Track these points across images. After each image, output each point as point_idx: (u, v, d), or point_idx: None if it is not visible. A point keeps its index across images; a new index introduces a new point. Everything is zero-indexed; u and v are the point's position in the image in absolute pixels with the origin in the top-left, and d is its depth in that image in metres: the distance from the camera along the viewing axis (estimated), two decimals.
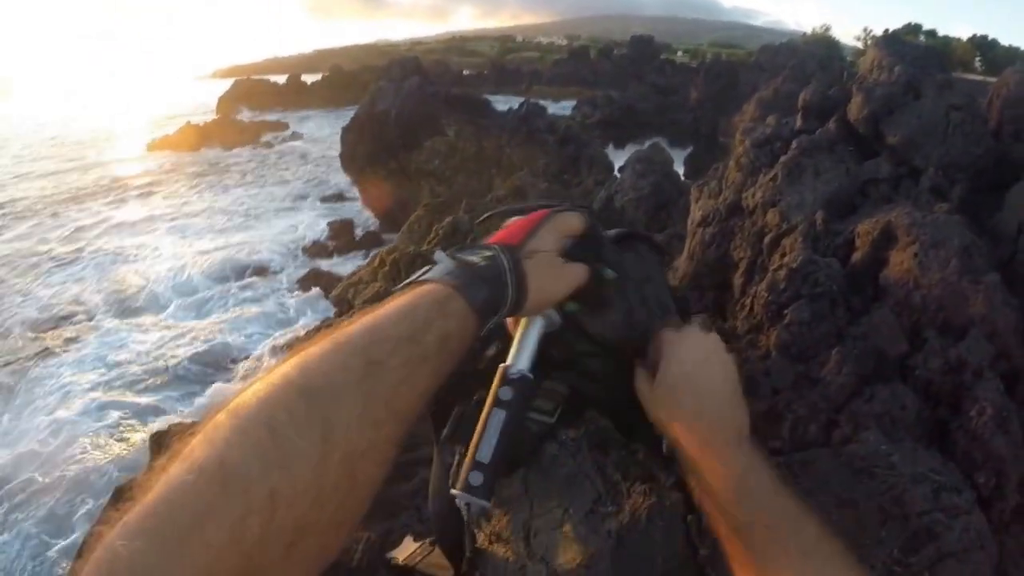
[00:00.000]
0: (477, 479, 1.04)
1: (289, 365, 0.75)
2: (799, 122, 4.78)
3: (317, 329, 0.87)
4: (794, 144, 4.15)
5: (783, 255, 3.51)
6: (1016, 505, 2.46)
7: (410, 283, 0.97)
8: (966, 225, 3.34)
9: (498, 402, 1.09)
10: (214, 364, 14.33)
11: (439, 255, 1.08)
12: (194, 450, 0.64)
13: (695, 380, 1.17)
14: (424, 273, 1.00)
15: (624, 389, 1.34)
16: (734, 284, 3.87)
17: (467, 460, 1.07)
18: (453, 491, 1.06)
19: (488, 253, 1.04)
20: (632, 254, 1.49)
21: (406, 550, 1.72)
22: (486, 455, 1.05)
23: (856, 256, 3.43)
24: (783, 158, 4.10)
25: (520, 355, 1.17)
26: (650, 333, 1.42)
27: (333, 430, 0.71)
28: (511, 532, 1.78)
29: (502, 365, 1.14)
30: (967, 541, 1.92)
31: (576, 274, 1.18)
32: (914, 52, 5.26)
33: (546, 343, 1.25)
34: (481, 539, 1.80)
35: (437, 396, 1.17)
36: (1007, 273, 3.23)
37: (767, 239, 3.81)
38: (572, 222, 1.21)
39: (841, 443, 2.33)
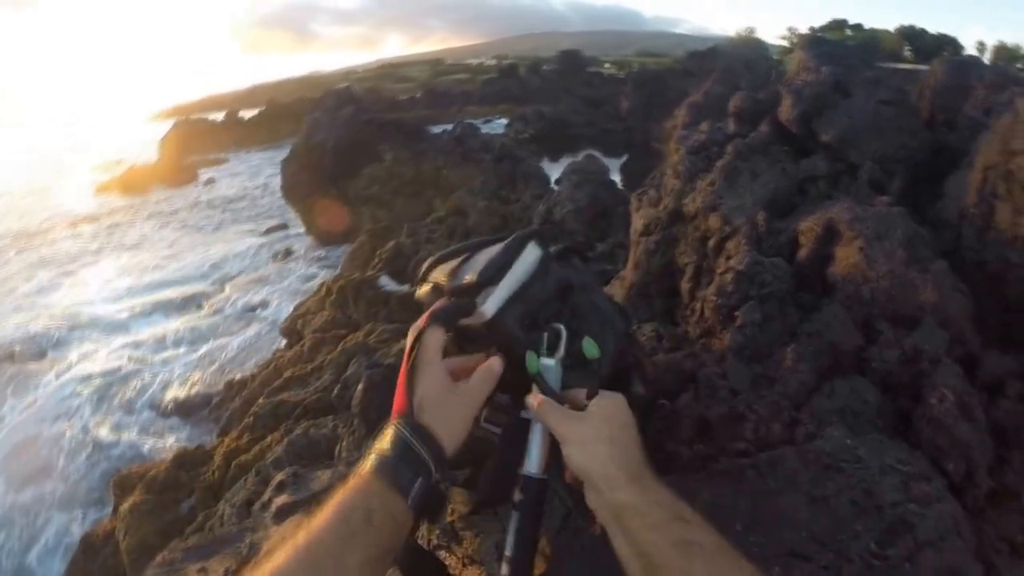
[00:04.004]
0: (505, 569, 1.29)
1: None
2: (732, 127, 4.82)
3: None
4: (729, 148, 4.18)
5: (728, 258, 3.53)
6: (989, 491, 2.47)
7: (350, 478, 1.21)
8: (908, 216, 3.38)
9: (512, 503, 1.34)
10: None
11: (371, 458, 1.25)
12: None
13: (603, 436, 1.31)
14: (359, 469, 1.23)
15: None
16: (682, 290, 3.88)
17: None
18: None
19: (391, 432, 1.25)
20: (571, 268, 1.62)
21: None
22: (509, 549, 1.32)
23: (801, 253, 3.45)
24: (719, 163, 4.13)
25: (530, 459, 1.38)
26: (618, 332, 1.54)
27: None
28: (484, 554, 1.77)
29: (523, 472, 1.37)
30: (943, 529, 1.93)
31: (474, 393, 1.38)
32: (840, 51, 5.35)
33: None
34: (454, 563, 1.81)
35: None
36: (953, 260, 3.26)
37: (711, 243, 3.83)
38: (434, 338, 1.39)
39: (806, 440, 2.33)
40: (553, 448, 1.45)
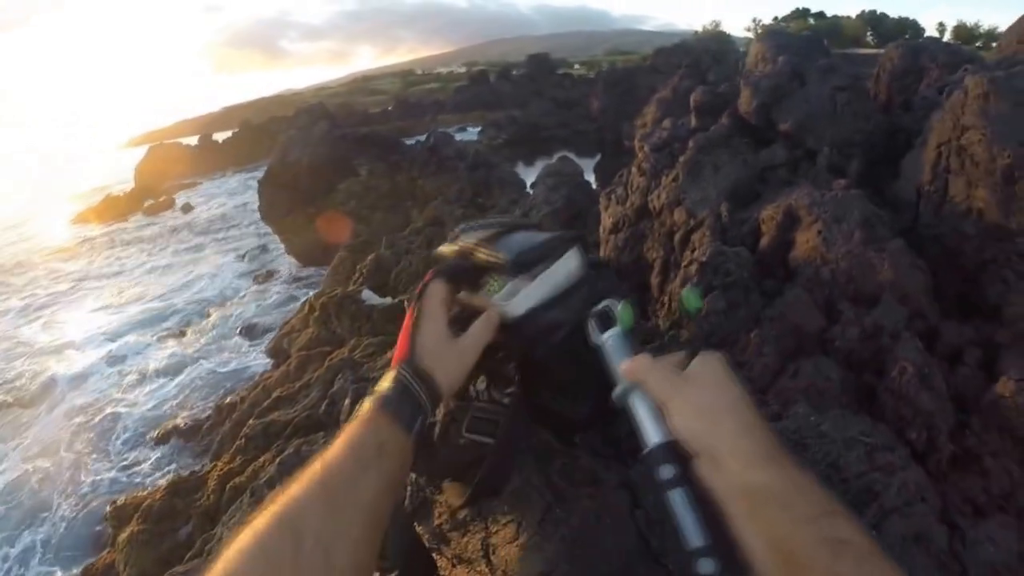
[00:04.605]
0: (708, 566, 0.95)
1: (276, 507, 1.00)
2: (694, 121, 4.91)
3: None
4: (691, 143, 4.26)
5: (693, 250, 3.61)
6: (951, 455, 2.55)
7: (354, 418, 1.21)
8: (867, 197, 3.46)
9: (663, 484, 1.05)
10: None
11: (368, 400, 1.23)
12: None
13: (719, 408, 1.10)
14: (360, 410, 1.24)
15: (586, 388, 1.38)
16: (652, 284, 3.96)
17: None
18: None
19: (393, 375, 1.25)
20: (600, 274, 1.56)
21: None
22: (696, 539, 0.98)
23: (763, 241, 3.54)
24: (682, 158, 4.21)
25: (647, 432, 1.14)
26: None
27: (302, 534, 0.95)
28: (471, 553, 1.82)
29: (642, 454, 1.12)
30: (907, 495, 1.99)
31: (471, 344, 1.34)
32: (796, 41, 5.45)
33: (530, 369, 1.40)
34: (444, 564, 1.84)
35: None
36: (911, 237, 3.35)
37: (677, 237, 3.91)
38: (439, 290, 1.38)
39: (772, 420, 2.40)
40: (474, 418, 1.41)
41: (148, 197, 45.20)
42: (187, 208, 41.65)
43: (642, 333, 3.12)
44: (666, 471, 1.04)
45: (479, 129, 47.69)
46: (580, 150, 31.39)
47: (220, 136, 65.52)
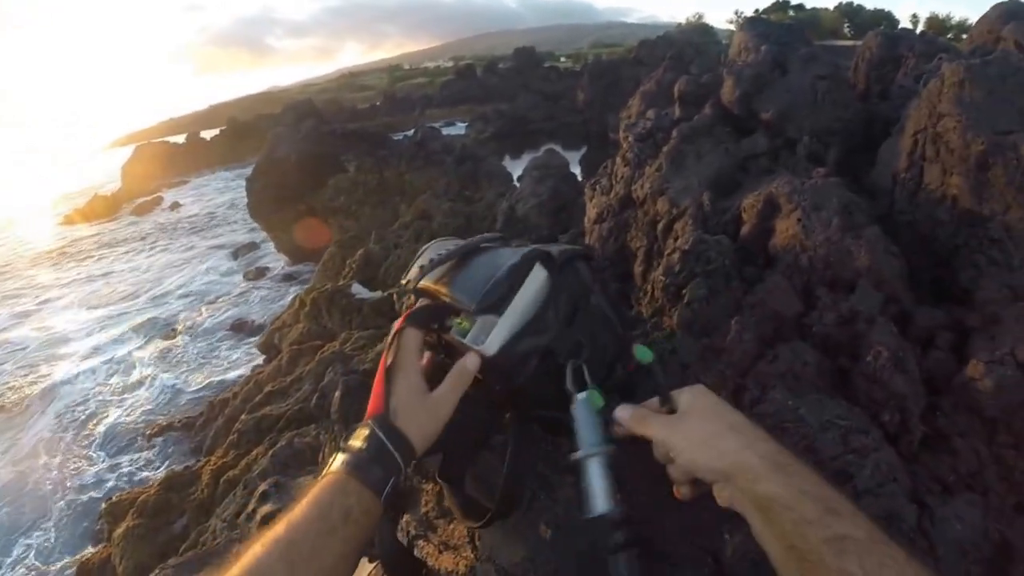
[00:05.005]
0: None
1: (238, 569, 1.04)
2: (677, 111, 4.96)
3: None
4: (674, 133, 4.31)
5: (676, 238, 3.67)
6: (923, 436, 2.61)
7: (324, 475, 1.24)
8: (844, 185, 3.52)
9: (610, 548, 1.16)
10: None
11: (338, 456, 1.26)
12: None
13: (712, 444, 1.17)
14: (331, 465, 1.26)
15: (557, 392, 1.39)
16: (635, 273, 4.01)
17: None
18: None
19: (366, 432, 1.28)
20: (573, 272, 1.55)
21: (362, 572, 1.80)
22: None
23: (744, 229, 3.59)
24: (665, 148, 4.26)
25: (597, 499, 1.22)
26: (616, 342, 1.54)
27: None
28: (457, 539, 1.87)
29: (596, 515, 1.21)
30: (880, 476, 2.04)
31: (447, 397, 1.35)
32: (778, 31, 5.51)
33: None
34: (431, 550, 1.89)
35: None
36: (887, 224, 3.40)
37: (660, 226, 3.97)
38: (412, 340, 1.40)
39: (751, 405, 2.46)
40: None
41: (136, 196, 45.11)
42: (175, 206, 41.59)
43: (628, 320, 3.18)
44: (614, 537, 1.15)
45: (466, 123, 47.78)
46: (566, 143, 31.54)
47: (207, 134, 65.10)
